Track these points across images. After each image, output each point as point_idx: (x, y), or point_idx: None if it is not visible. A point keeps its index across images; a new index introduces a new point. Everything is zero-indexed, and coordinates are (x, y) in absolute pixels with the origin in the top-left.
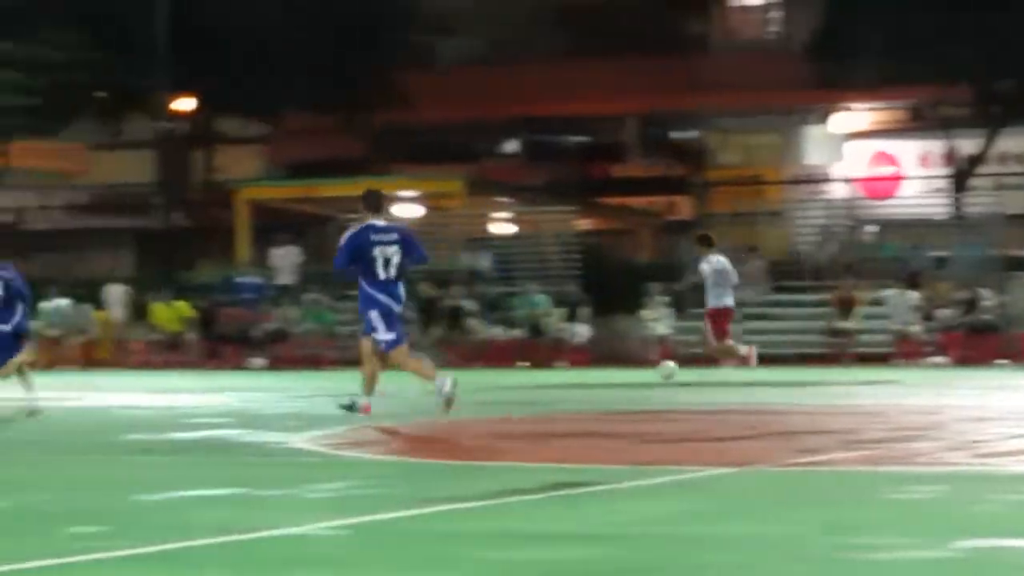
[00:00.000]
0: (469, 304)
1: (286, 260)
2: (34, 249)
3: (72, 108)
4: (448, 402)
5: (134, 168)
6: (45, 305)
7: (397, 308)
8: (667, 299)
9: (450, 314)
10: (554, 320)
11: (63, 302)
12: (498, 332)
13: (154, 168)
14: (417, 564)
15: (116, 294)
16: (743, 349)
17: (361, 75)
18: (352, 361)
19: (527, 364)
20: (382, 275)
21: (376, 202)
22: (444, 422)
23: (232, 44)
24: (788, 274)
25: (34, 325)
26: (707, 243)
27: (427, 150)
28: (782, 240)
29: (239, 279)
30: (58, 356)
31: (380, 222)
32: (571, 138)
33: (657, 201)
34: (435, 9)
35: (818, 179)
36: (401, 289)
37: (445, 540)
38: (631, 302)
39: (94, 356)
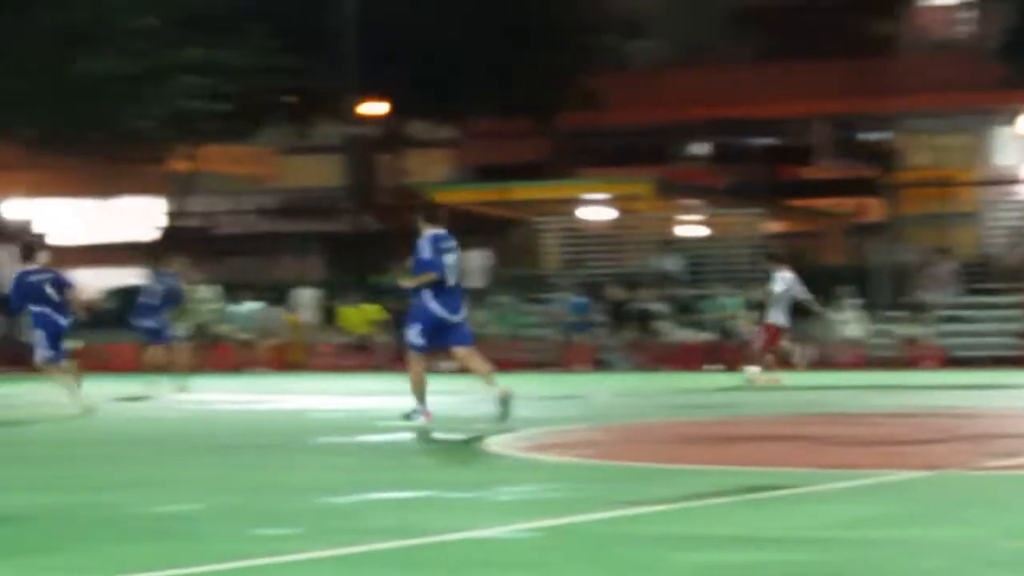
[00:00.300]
0: (659, 307)
1: (476, 263)
2: (226, 253)
3: (262, 113)
4: (409, 419)
5: (323, 172)
6: (236, 309)
7: (452, 318)
8: (858, 302)
9: (639, 316)
10: (743, 323)
11: (254, 306)
12: (687, 335)
13: (343, 172)
14: (610, 567)
15: (306, 298)
16: (763, 375)
17: (550, 78)
18: (539, 364)
19: (720, 367)
20: (451, 281)
21: (435, 213)
22: (633, 425)
23: (421, 48)
24: (980, 276)
25: (225, 328)
26: (779, 260)
27: (616, 152)
28: (974, 242)
29: None
30: (249, 359)
31: (442, 231)
32: (760, 140)
33: (846, 203)
34: (625, 12)
35: (1010, 180)
36: (461, 296)
37: (637, 543)
38: (822, 305)
39: (285, 359)
